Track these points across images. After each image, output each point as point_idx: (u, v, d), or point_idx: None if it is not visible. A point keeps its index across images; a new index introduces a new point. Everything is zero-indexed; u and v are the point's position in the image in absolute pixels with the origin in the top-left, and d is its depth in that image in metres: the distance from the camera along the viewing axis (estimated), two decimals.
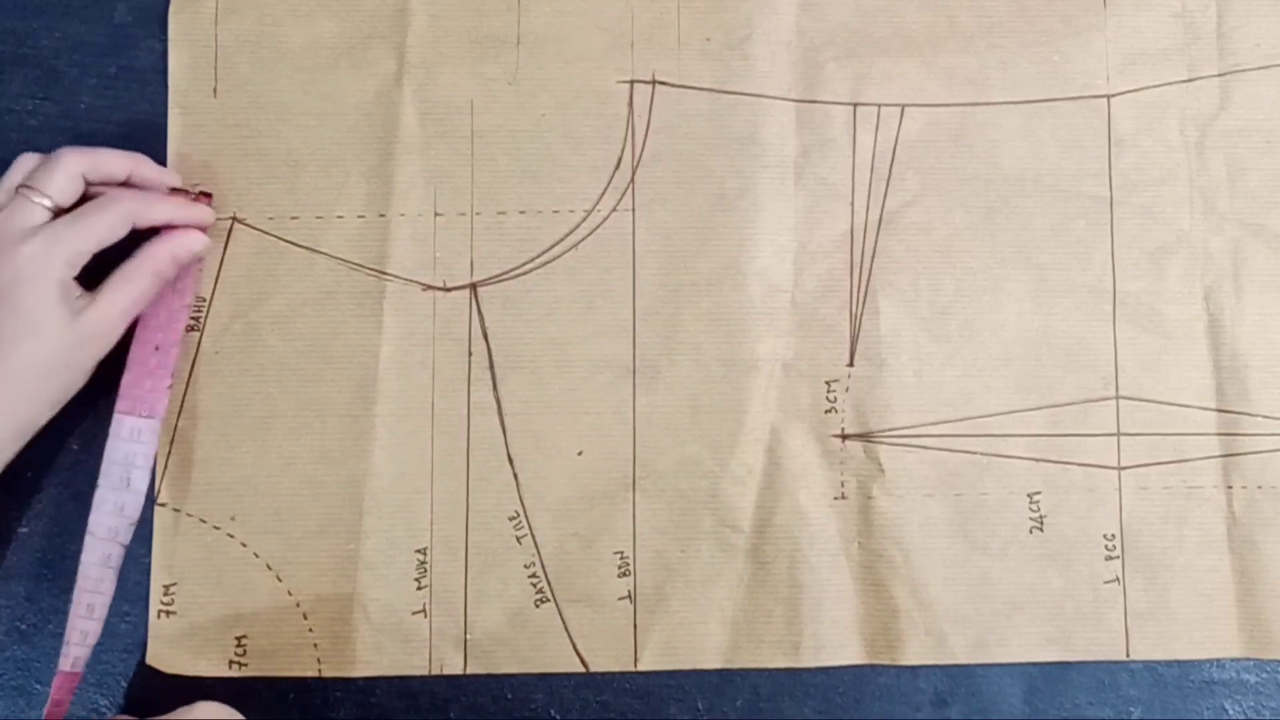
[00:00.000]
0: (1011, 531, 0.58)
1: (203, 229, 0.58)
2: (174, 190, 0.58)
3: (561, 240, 0.59)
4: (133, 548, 0.57)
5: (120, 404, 0.57)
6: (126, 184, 0.57)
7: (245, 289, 0.59)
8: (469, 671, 0.58)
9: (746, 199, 0.59)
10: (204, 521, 0.58)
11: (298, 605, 0.58)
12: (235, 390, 0.59)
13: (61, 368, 0.54)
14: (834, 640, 0.58)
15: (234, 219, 0.59)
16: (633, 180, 0.60)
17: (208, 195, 0.59)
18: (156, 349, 0.58)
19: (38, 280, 0.53)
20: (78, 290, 0.54)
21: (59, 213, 0.54)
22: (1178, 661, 0.58)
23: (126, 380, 0.58)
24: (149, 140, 0.59)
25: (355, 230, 0.59)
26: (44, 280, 0.53)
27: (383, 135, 0.60)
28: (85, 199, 0.56)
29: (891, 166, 0.60)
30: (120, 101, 0.60)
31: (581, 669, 0.58)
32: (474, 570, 0.58)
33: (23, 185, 0.54)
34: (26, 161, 0.56)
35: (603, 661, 0.57)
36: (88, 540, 0.56)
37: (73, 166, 0.55)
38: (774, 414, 0.59)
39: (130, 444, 0.57)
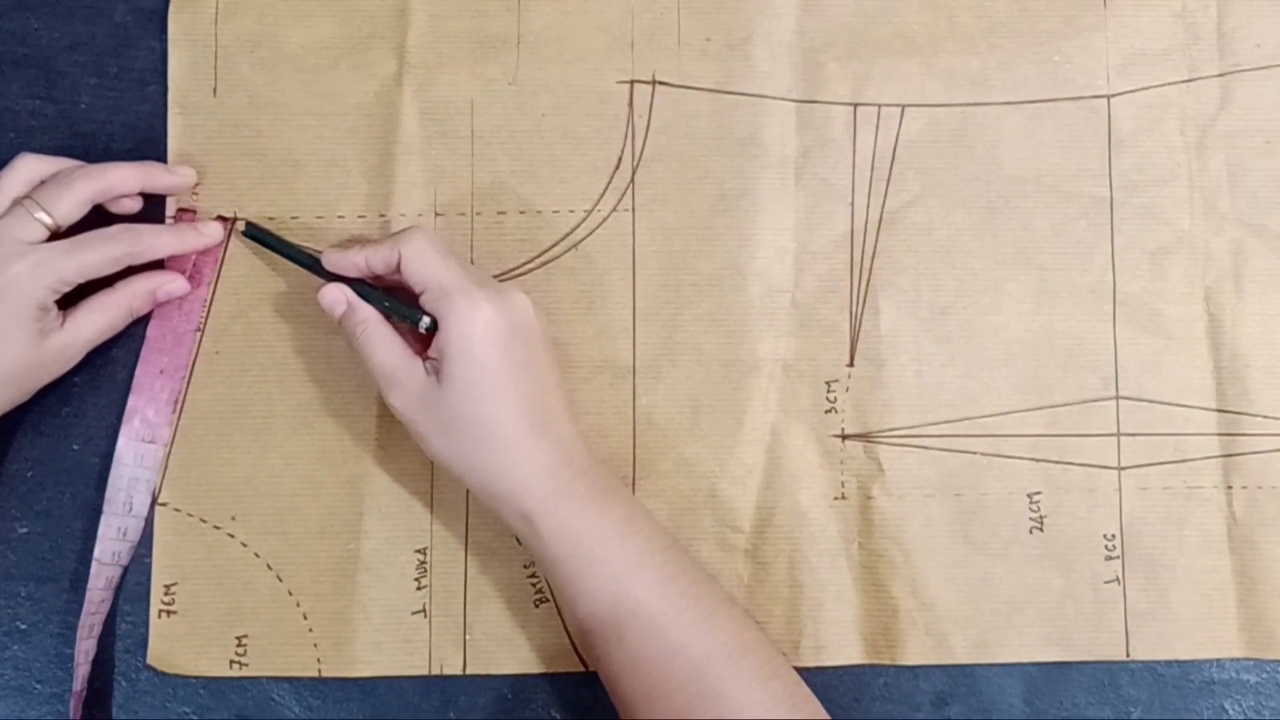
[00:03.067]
0: (1012, 531, 0.58)
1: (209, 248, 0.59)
2: (181, 210, 0.58)
3: (561, 240, 0.59)
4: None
5: (125, 428, 0.57)
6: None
7: (245, 289, 0.59)
8: (469, 671, 0.58)
9: (747, 199, 0.59)
10: (204, 521, 0.58)
11: (298, 605, 0.58)
12: (235, 390, 0.59)
13: (15, 383, 0.54)
14: (834, 640, 0.58)
15: (234, 219, 0.59)
16: (633, 180, 0.60)
17: (224, 219, 0.59)
18: (161, 372, 0.58)
19: (18, 299, 0.53)
20: (54, 311, 0.54)
21: (56, 232, 0.54)
22: (1178, 661, 0.58)
23: (131, 404, 0.58)
24: (149, 140, 0.59)
25: (356, 230, 0.59)
26: (23, 300, 0.53)
27: (383, 135, 0.60)
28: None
29: (892, 167, 0.60)
30: (120, 101, 0.60)
31: (581, 669, 0.57)
32: (474, 570, 0.58)
33: (28, 198, 0.54)
34: (25, 164, 0.55)
35: None
36: (94, 567, 0.56)
37: (83, 192, 0.55)
38: (774, 414, 0.59)
39: (134, 469, 0.57)
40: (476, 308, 0.52)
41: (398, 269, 0.54)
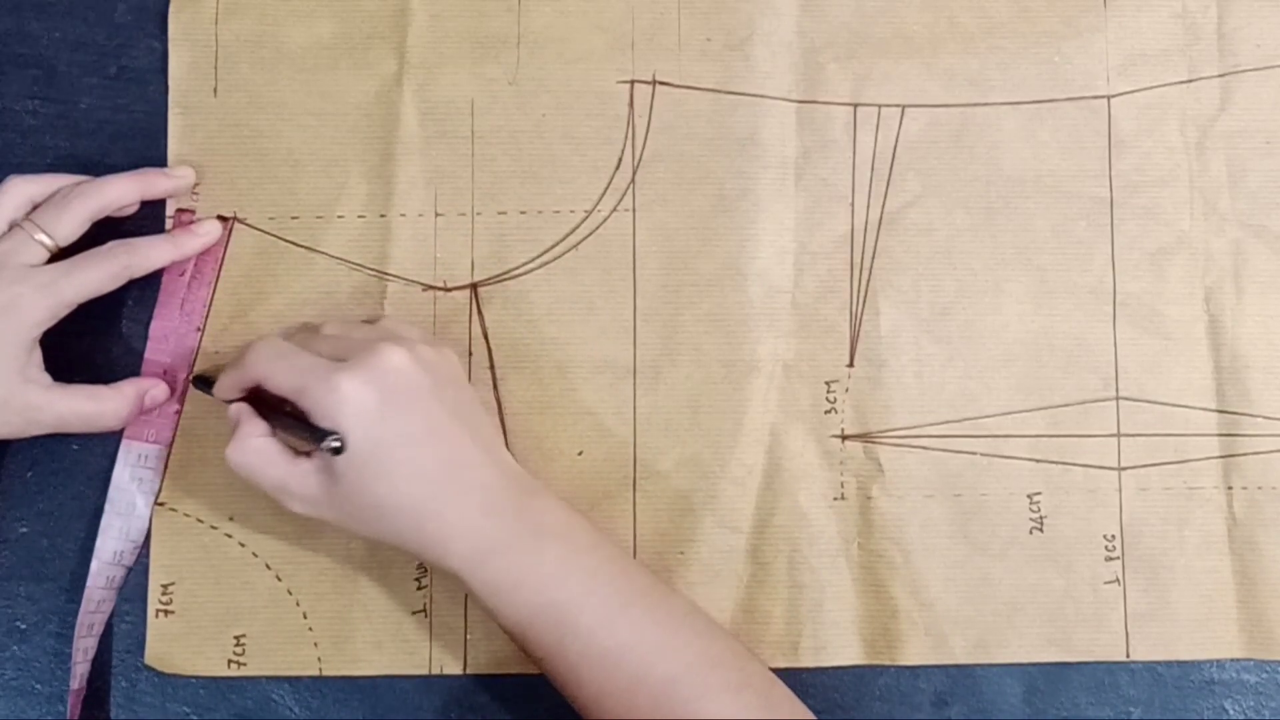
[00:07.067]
0: (1012, 532, 0.58)
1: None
2: (180, 210, 0.58)
3: (562, 240, 0.59)
4: None
5: (129, 429, 0.57)
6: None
7: (245, 289, 0.59)
8: (469, 671, 0.58)
9: (747, 200, 0.59)
10: (201, 521, 0.58)
11: (297, 604, 0.58)
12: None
13: (12, 408, 0.53)
14: (834, 641, 0.58)
15: (234, 219, 0.59)
16: (633, 181, 0.60)
17: (224, 218, 0.59)
18: (164, 373, 0.58)
19: (19, 322, 0.52)
20: (39, 355, 0.54)
21: (56, 253, 0.54)
22: (1178, 661, 0.58)
23: None
24: (149, 140, 0.59)
25: (356, 230, 0.59)
26: (24, 323, 0.53)
27: (383, 135, 0.60)
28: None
29: (892, 167, 0.60)
30: (120, 101, 0.60)
31: None
32: None
33: (28, 220, 0.54)
34: (15, 186, 0.55)
35: None
36: (94, 565, 0.56)
37: (82, 211, 0.54)
38: (774, 414, 0.59)
39: (137, 469, 0.57)
40: (334, 391, 0.49)
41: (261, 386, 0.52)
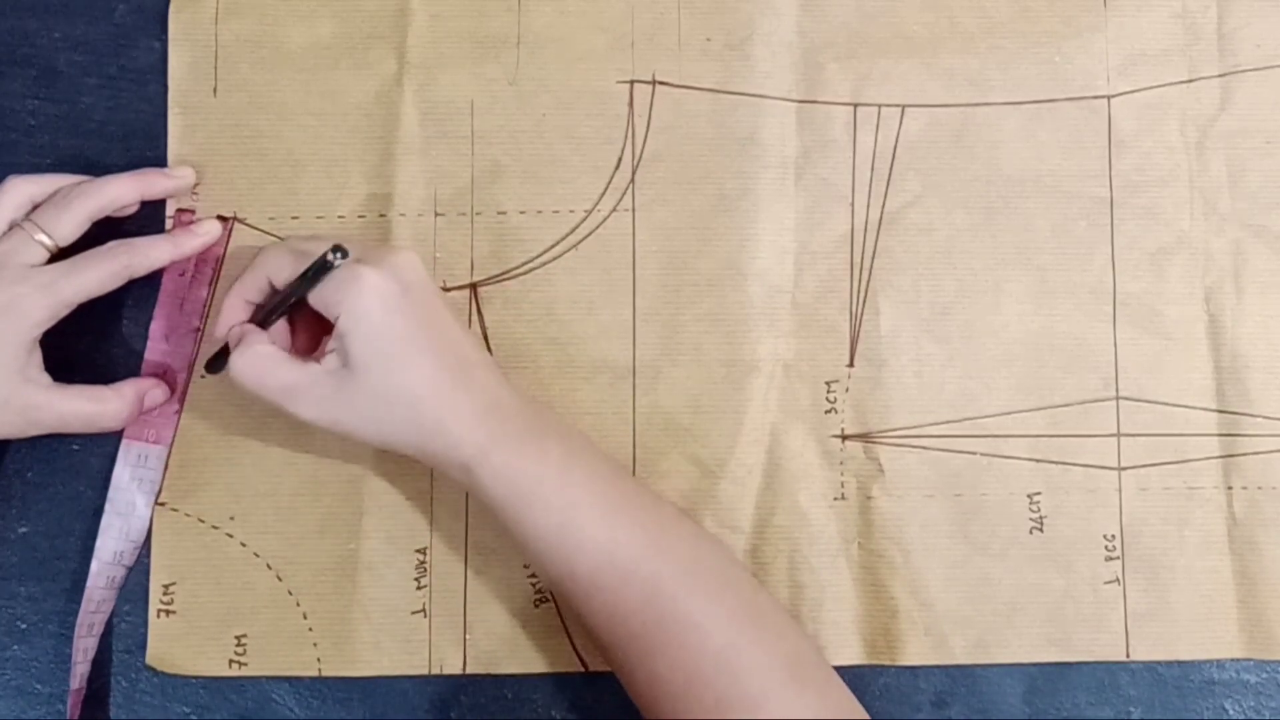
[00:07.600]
0: (1012, 532, 0.58)
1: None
2: (180, 210, 0.58)
3: (561, 240, 0.59)
4: None
5: (129, 429, 0.57)
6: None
7: None
8: (469, 671, 0.58)
9: (747, 199, 0.59)
10: (202, 521, 0.58)
11: (298, 605, 0.58)
12: (235, 390, 0.58)
13: (12, 407, 0.53)
14: (834, 640, 0.58)
15: (234, 219, 0.59)
16: (633, 180, 0.60)
17: (224, 218, 0.59)
18: (164, 373, 0.58)
19: (19, 322, 0.53)
20: (39, 355, 0.54)
21: (56, 253, 0.54)
22: (1178, 661, 0.58)
23: None
24: (149, 140, 0.59)
25: (356, 230, 0.59)
26: (24, 323, 0.53)
27: (383, 135, 0.60)
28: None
29: (892, 167, 0.60)
30: (120, 101, 0.60)
31: (581, 669, 0.58)
32: (474, 570, 0.58)
33: (28, 220, 0.54)
34: (15, 186, 0.55)
35: (602, 662, 0.57)
36: (94, 565, 0.56)
37: (81, 211, 0.55)
38: (774, 414, 0.59)
39: (138, 469, 0.57)
40: (359, 279, 0.51)
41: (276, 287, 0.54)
